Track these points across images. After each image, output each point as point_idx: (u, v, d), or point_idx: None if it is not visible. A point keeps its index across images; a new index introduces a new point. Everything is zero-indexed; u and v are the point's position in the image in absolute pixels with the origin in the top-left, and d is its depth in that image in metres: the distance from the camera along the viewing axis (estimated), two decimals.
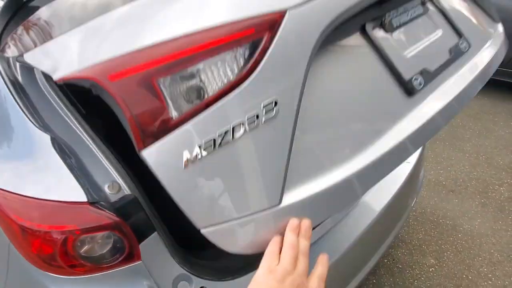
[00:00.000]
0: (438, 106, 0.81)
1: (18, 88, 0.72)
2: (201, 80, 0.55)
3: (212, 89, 0.55)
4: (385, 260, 1.69)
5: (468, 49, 0.94)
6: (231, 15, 0.56)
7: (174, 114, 0.54)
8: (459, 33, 0.95)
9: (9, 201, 0.65)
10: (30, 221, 0.64)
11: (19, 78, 0.73)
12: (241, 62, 0.56)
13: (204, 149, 0.54)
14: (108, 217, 0.64)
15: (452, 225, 1.87)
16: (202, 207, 0.58)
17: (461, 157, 2.41)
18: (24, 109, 0.69)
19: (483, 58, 0.97)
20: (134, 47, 0.54)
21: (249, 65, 0.56)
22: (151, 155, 0.54)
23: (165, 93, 0.54)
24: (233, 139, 0.56)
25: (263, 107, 0.57)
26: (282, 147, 0.61)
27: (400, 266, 1.67)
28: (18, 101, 0.71)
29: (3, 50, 0.75)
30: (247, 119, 0.56)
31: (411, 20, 0.87)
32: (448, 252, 1.73)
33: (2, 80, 0.73)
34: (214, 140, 0.55)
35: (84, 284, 0.70)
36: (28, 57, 0.63)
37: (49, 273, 0.69)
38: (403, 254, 1.72)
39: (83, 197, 0.63)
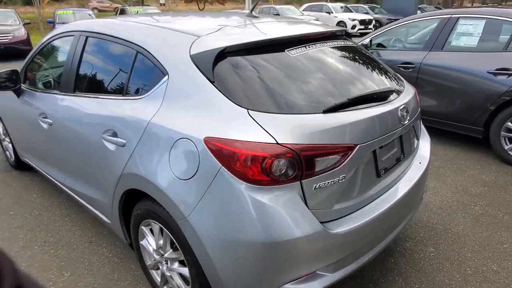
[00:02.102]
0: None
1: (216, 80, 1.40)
2: None
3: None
4: (398, 248, 2.29)
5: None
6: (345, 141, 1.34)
7: None
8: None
9: (242, 144, 1.28)
10: (250, 151, 1.27)
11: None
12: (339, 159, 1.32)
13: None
14: (287, 150, 1.28)
15: (443, 228, 2.52)
16: None
17: (444, 187, 3.13)
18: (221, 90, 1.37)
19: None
20: None
21: (342, 162, 1.32)
22: None
23: None
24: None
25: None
26: None
27: (409, 252, 2.26)
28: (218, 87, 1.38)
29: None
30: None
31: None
32: (443, 244, 2.35)
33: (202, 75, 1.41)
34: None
35: (266, 191, 1.30)
36: None
37: (249, 184, 1.29)
38: (411, 245, 2.33)
39: (274, 140, 1.28)
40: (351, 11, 19.29)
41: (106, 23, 2.08)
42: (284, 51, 1.60)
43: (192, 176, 1.38)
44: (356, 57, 1.93)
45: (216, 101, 1.41)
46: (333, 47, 1.82)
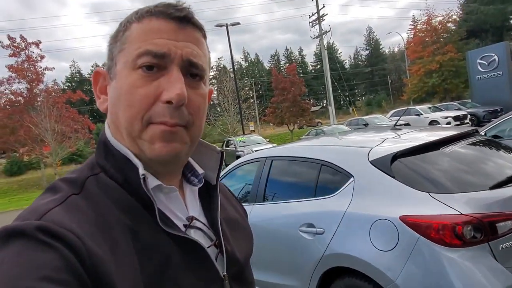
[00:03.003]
0: None
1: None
2: None
3: None
4: None
5: None
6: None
7: None
8: None
9: (435, 217, 1.75)
10: (443, 221, 1.73)
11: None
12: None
13: None
14: (471, 218, 1.70)
15: None
16: None
17: None
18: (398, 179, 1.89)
19: None
20: None
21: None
22: None
23: None
24: None
25: None
26: None
27: None
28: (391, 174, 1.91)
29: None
30: None
31: None
32: None
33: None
34: None
35: (462, 252, 1.68)
36: None
37: (445, 247, 1.70)
38: None
39: (458, 212, 1.72)
40: (440, 110, 19.46)
41: (285, 149, 2.93)
42: (439, 149, 2.15)
43: (394, 247, 1.84)
44: (494, 146, 2.37)
45: (400, 190, 1.95)
46: (474, 142, 2.31)
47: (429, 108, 19.99)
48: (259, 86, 64.05)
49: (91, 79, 0.67)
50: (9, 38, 22.04)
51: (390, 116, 20.53)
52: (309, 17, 28.03)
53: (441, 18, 31.93)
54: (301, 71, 67.60)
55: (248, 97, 38.12)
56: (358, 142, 2.48)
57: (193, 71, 0.59)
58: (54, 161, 19.25)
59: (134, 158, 0.58)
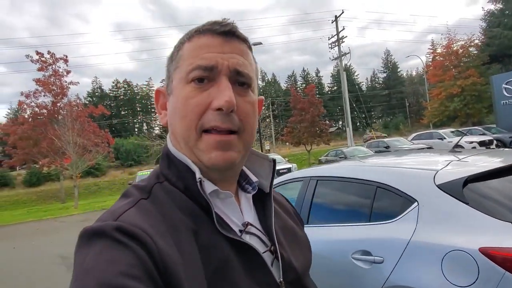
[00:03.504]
0: None
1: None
2: None
3: None
4: None
5: None
6: None
7: None
8: None
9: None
10: None
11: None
12: None
13: None
14: None
15: None
16: None
17: None
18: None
19: None
20: None
21: None
22: None
23: None
24: None
25: None
26: None
27: None
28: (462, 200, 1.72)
29: None
30: None
31: None
32: None
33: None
34: None
35: None
36: None
37: None
38: None
39: None
40: (464, 135, 18.95)
41: (332, 169, 2.78)
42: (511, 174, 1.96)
43: (473, 283, 1.64)
44: None
45: (476, 218, 1.76)
46: None
47: (452, 132, 19.52)
48: (275, 106, 64.39)
49: (151, 95, 0.71)
50: (38, 53, 22.88)
51: (412, 139, 20.12)
52: (329, 39, 28.27)
53: (462, 42, 31.66)
54: (317, 92, 67.76)
55: (265, 117, 38.18)
56: (417, 163, 2.31)
57: (240, 80, 0.63)
58: (74, 173, 19.48)
59: (192, 164, 0.63)
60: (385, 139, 20.08)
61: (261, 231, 0.69)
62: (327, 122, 34.62)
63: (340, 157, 17.93)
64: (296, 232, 0.81)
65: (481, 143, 16.62)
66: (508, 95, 18.73)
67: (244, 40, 0.66)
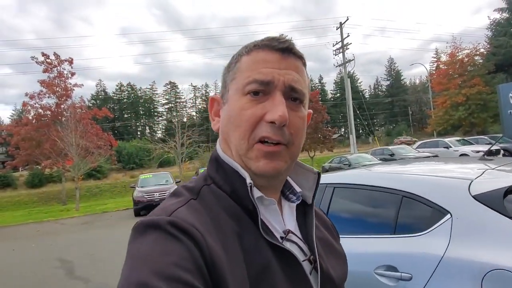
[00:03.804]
0: None
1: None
2: None
3: None
4: None
5: None
6: None
7: None
8: None
9: None
10: None
11: None
12: None
13: None
14: None
15: None
16: None
17: None
18: None
19: None
20: None
21: None
22: None
23: None
24: None
25: None
26: None
27: None
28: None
29: None
30: None
31: None
32: None
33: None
34: None
35: None
36: None
37: None
38: None
39: None
40: (470, 144, 18.74)
41: (351, 176, 2.60)
42: None
43: None
44: None
45: None
46: None
47: (458, 141, 19.30)
48: None
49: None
50: (43, 55, 22.90)
51: (417, 148, 19.90)
52: (333, 46, 28.23)
53: (468, 51, 31.52)
54: (320, 98, 67.77)
55: None
56: (448, 171, 2.14)
57: (293, 96, 0.65)
58: (76, 175, 19.34)
59: (242, 170, 0.66)
60: (390, 147, 19.84)
61: (302, 239, 0.70)
62: (330, 128, 34.39)
63: (344, 164, 17.73)
64: (334, 245, 0.82)
65: (489, 153, 16.35)
66: None
67: (300, 57, 0.68)
